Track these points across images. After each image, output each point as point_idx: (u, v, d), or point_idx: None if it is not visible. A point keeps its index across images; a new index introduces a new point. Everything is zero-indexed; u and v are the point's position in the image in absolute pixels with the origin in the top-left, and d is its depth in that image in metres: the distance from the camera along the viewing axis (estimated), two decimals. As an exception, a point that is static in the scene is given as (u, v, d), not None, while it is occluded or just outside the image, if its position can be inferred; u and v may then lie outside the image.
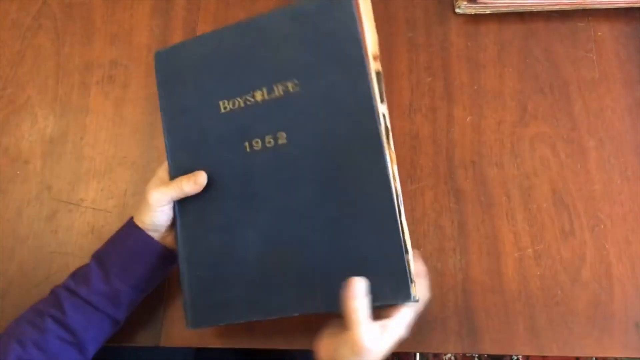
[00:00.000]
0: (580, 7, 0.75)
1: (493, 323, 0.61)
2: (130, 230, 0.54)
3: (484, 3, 0.73)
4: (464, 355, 1.21)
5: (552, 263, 0.63)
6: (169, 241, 0.56)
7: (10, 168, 0.68)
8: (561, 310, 0.61)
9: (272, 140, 0.51)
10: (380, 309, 0.47)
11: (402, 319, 0.47)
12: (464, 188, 0.66)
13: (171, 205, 0.54)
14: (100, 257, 0.55)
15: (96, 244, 0.57)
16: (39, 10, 0.76)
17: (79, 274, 0.54)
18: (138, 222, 0.54)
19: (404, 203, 0.52)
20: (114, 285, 0.53)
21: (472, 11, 0.75)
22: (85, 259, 0.56)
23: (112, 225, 0.65)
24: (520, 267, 0.63)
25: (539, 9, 0.75)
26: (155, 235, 0.54)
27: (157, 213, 0.53)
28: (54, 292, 0.54)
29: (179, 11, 0.75)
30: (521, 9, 0.75)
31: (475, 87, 0.71)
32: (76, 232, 0.65)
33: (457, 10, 0.75)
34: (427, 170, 0.67)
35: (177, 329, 0.61)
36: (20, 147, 0.69)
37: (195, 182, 0.52)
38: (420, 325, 0.59)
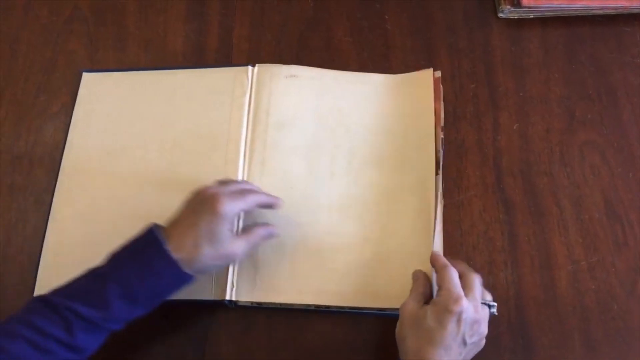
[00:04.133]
0: (626, 11, 0.73)
1: (548, 339, 0.58)
2: (167, 265, 0.49)
3: (528, 7, 0.71)
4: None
5: (606, 276, 0.61)
6: None
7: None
8: (618, 325, 0.59)
9: None
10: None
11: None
12: (513, 198, 0.64)
13: None
14: (123, 281, 0.49)
15: None
16: (70, 14, 0.74)
17: (92, 296, 0.48)
18: (182, 253, 0.49)
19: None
20: (135, 312, 0.50)
21: (516, 15, 0.73)
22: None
23: None
24: (575, 281, 0.61)
25: (584, 13, 0.73)
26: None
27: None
28: (56, 311, 0.47)
29: (214, 15, 0.73)
30: (566, 14, 0.73)
31: (521, 94, 0.69)
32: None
33: (499, 14, 0.73)
34: (474, 179, 0.65)
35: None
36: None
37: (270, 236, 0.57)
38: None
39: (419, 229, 0.60)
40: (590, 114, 0.68)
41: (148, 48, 0.72)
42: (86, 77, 0.69)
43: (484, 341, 0.52)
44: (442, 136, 0.65)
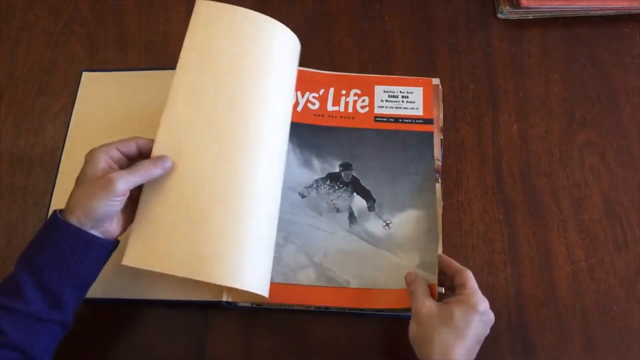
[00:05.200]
0: (626, 12, 0.73)
1: (548, 339, 0.58)
2: (64, 230, 0.48)
3: (528, 8, 0.71)
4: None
5: (606, 277, 0.61)
6: (112, 229, 0.52)
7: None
8: (617, 326, 0.59)
9: None
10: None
11: (461, 301, 0.51)
12: (513, 199, 0.64)
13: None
14: (27, 262, 0.48)
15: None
16: (70, 15, 0.74)
17: (8, 287, 0.47)
18: (73, 217, 0.48)
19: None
20: (51, 290, 0.47)
21: (515, 16, 0.73)
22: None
23: None
24: (574, 281, 0.61)
25: (583, 14, 0.73)
26: (97, 229, 0.50)
27: (116, 202, 0.49)
28: None
29: (214, 17, 0.73)
30: (565, 14, 0.73)
31: (521, 94, 0.69)
32: None
33: (499, 15, 0.73)
34: (473, 180, 0.65)
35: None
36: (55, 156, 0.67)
37: (162, 167, 0.54)
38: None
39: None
40: (590, 114, 0.68)
41: (148, 49, 0.72)
42: (86, 76, 0.69)
43: None
44: (441, 137, 0.65)
